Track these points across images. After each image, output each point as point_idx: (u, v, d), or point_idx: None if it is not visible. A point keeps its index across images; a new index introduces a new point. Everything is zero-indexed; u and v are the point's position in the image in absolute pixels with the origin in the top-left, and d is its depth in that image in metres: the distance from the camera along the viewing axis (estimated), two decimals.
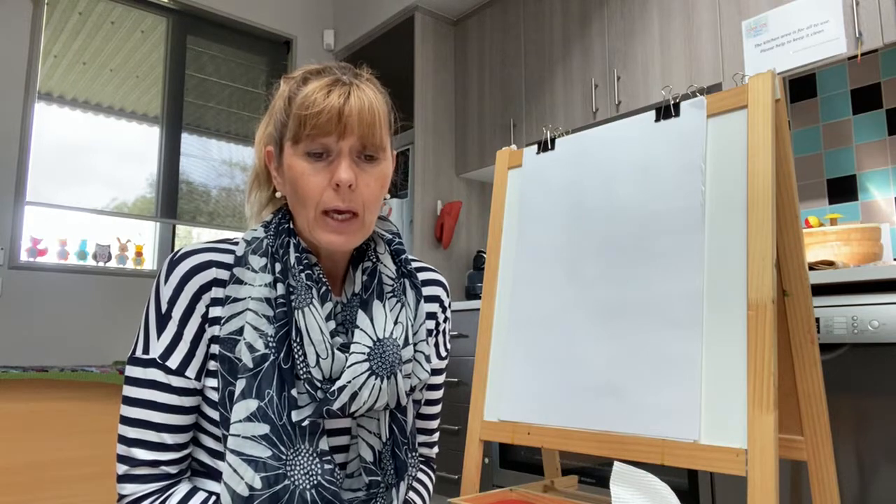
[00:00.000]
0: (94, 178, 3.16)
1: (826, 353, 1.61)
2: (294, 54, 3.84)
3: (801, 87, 2.36)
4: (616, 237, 1.05)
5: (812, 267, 1.73)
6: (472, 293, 3.17)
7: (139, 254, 3.24)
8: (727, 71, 2.28)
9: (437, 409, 1.05)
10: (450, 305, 1.04)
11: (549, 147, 1.20)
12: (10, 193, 2.88)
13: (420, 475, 1.02)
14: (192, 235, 3.52)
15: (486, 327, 1.20)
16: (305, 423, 0.79)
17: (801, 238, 1.01)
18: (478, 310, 2.50)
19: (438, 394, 1.05)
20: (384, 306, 0.88)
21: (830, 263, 1.74)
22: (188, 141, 3.44)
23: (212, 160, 3.51)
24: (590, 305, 1.05)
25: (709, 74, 2.33)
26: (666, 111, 1.04)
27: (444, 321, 1.02)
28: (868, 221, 2.17)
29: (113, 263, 3.15)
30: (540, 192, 1.19)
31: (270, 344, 0.80)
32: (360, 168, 0.83)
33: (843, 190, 2.23)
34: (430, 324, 0.99)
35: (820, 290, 1.66)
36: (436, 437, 1.06)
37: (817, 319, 1.63)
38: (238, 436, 0.77)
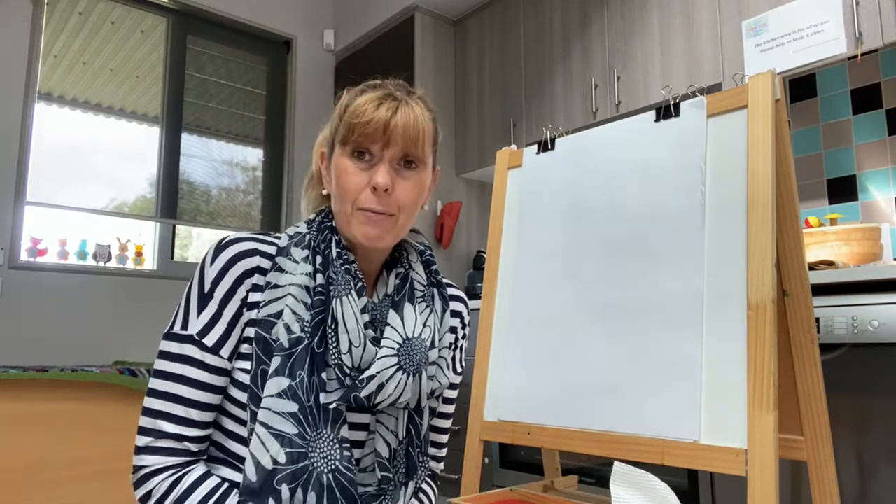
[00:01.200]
0: (94, 178, 3.16)
1: (826, 353, 1.61)
2: (294, 54, 3.84)
3: (801, 87, 2.36)
4: (616, 237, 1.05)
5: (812, 267, 1.73)
6: (472, 293, 3.17)
7: (139, 254, 3.24)
8: (727, 71, 2.28)
9: (448, 423, 1.07)
10: (469, 324, 1.07)
11: (549, 147, 1.20)
12: (10, 193, 2.88)
13: (424, 487, 1.02)
14: (192, 235, 3.52)
15: (486, 327, 1.20)
16: (332, 405, 0.82)
17: (801, 238, 1.01)
18: (478, 310, 2.50)
19: (451, 408, 1.07)
20: (414, 309, 0.92)
21: (830, 263, 1.74)
22: (188, 141, 3.44)
23: (212, 160, 3.51)
24: (590, 305, 1.05)
25: (709, 74, 2.33)
26: (666, 111, 1.04)
27: (463, 338, 1.06)
28: (868, 221, 2.17)
29: (113, 263, 3.15)
30: (540, 192, 1.19)
31: (306, 329, 0.84)
32: (399, 174, 0.88)
33: (843, 190, 2.23)
34: (451, 337, 1.02)
35: (820, 290, 1.66)
36: (444, 452, 1.08)
37: (817, 319, 1.63)
38: (269, 409, 0.80)
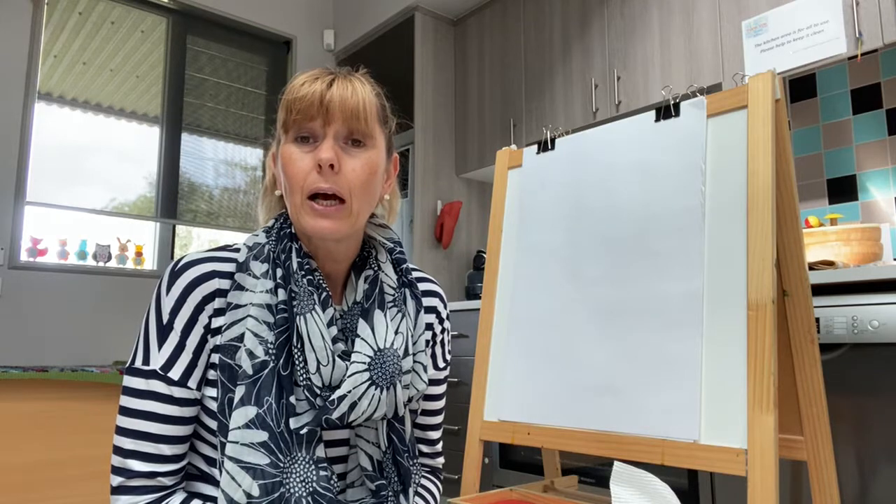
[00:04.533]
0: (93, 178, 3.16)
1: (826, 353, 1.61)
2: (294, 54, 3.84)
3: (801, 87, 2.36)
4: (616, 237, 1.05)
5: (812, 267, 1.73)
6: (472, 293, 3.17)
7: (139, 254, 3.24)
8: (727, 71, 2.28)
9: (438, 419, 1.04)
10: (448, 317, 1.04)
11: (549, 147, 1.20)
12: (10, 193, 2.88)
13: (425, 482, 1.01)
14: (192, 235, 3.52)
15: (486, 327, 1.20)
16: (304, 431, 0.79)
17: (801, 238, 1.01)
18: (478, 310, 2.50)
19: (439, 404, 1.04)
20: (385, 316, 0.87)
21: (830, 263, 1.74)
22: (188, 141, 3.44)
23: (212, 160, 3.52)
24: (590, 305, 1.05)
25: (709, 74, 2.33)
26: (666, 111, 1.04)
27: (442, 332, 1.02)
28: (868, 221, 2.17)
29: (113, 263, 3.15)
30: (540, 193, 1.19)
31: (270, 350, 0.80)
32: (346, 152, 0.83)
33: (843, 190, 2.23)
34: (427, 335, 0.98)
35: (820, 290, 1.66)
36: (439, 447, 1.06)
37: (817, 319, 1.63)
38: (236, 443, 0.77)
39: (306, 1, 3.93)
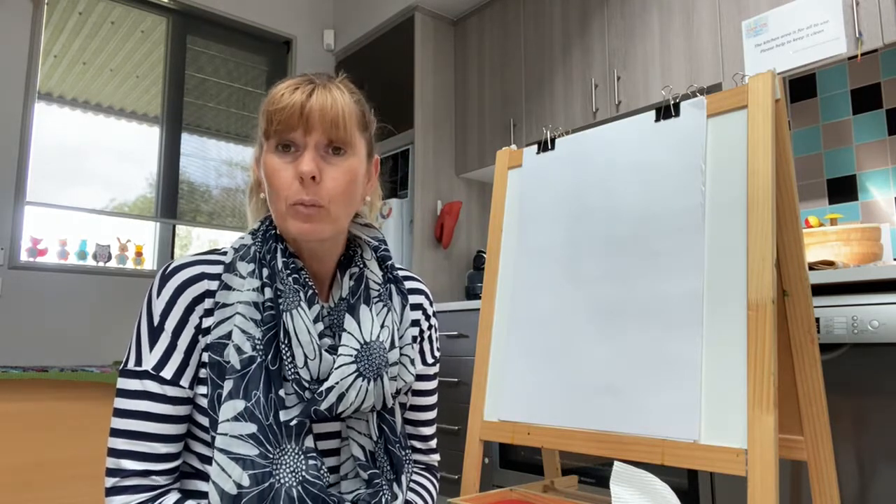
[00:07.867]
0: (93, 179, 3.16)
1: (826, 353, 1.61)
2: (294, 54, 3.84)
3: (801, 87, 2.36)
4: (616, 237, 1.05)
5: (812, 267, 1.73)
6: (472, 293, 3.17)
7: (139, 254, 3.24)
8: (727, 71, 2.28)
9: (430, 415, 1.05)
10: (434, 314, 1.06)
11: (549, 147, 1.20)
12: (10, 193, 2.88)
13: (420, 479, 1.02)
14: (192, 235, 3.52)
15: (486, 327, 1.20)
16: (294, 422, 0.81)
17: (801, 238, 1.01)
18: (478, 310, 2.50)
19: (430, 400, 1.05)
20: (371, 310, 0.90)
21: (830, 263, 1.74)
22: (188, 141, 3.44)
23: (212, 160, 3.51)
24: (590, 305, 1.05)
25: (709, 74, 2.33)
26: (666, 111, 1.04)
27: (429, 329, 1.04)
28: (868, 221, 2.17)
29: (113, 263, 3.15)
30: (540, 192, 1.19)
31: (258, 346, 0.82)
32: (327, 161, 0.85)
33: (843, 190, 2.23)
34: (414, 331, 1.00)
35: (820, 290, 1.66)
36: (433, 443, 1.06)
37: (817, 319, 1.63)
38: (226, 434, 0.78)
39: (306, 1, 3.93)
